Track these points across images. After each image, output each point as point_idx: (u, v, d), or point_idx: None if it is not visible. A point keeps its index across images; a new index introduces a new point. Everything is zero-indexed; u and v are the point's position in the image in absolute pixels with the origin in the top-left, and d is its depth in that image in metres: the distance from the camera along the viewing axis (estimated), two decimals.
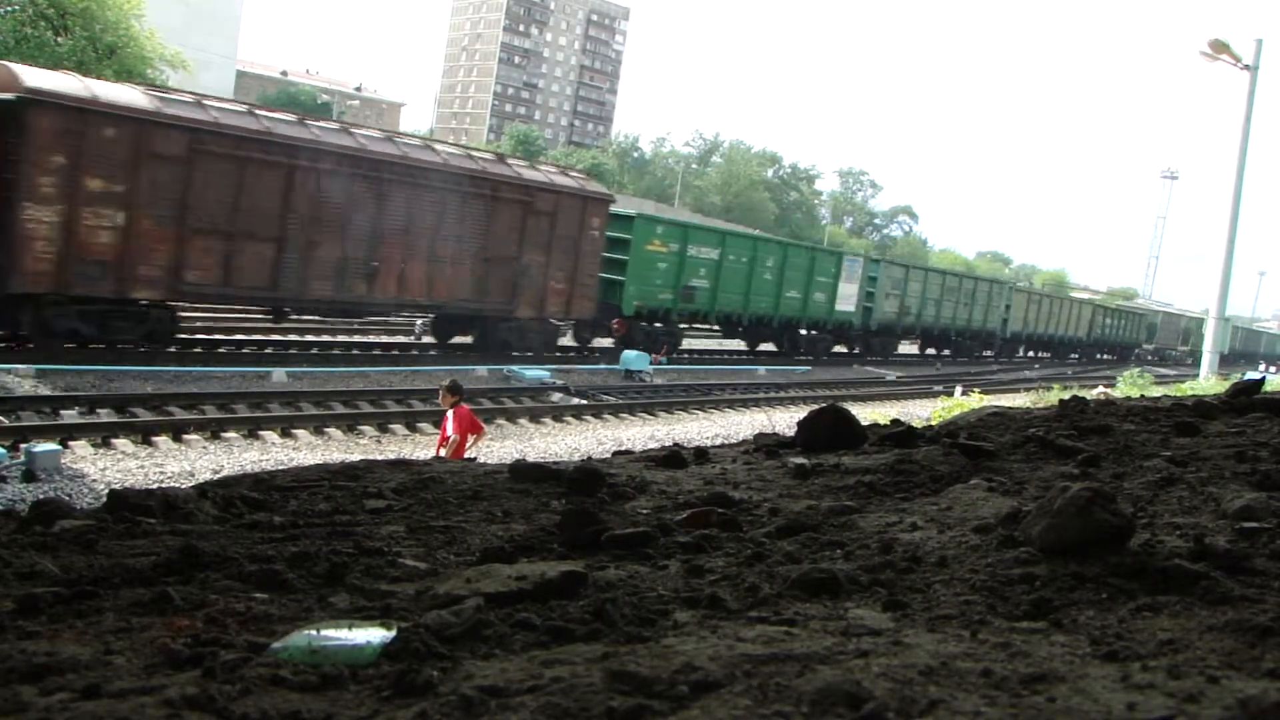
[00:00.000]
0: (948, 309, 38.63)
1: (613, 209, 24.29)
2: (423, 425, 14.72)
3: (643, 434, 15.77)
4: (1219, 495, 2.27)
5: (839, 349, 33.37)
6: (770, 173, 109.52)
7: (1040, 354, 50.11)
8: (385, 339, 23.51)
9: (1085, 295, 75.74)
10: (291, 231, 17.32)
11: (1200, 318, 76.63)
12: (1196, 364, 62.52)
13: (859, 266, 32.68)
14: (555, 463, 3.21)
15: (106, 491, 4.29)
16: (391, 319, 24.95)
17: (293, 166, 17.07)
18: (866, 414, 13.91)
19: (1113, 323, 56.72)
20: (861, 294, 32.66)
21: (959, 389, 24.28)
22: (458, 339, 22.74)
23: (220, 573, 1.80)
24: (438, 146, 21.64)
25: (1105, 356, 57.29)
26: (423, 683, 1.25)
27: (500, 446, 13.58)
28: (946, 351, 40.79)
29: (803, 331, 31.22)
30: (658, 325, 25.67)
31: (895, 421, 4.07)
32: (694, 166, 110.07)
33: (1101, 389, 22.89)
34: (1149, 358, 61.94)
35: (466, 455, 9.18)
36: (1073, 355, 52.89)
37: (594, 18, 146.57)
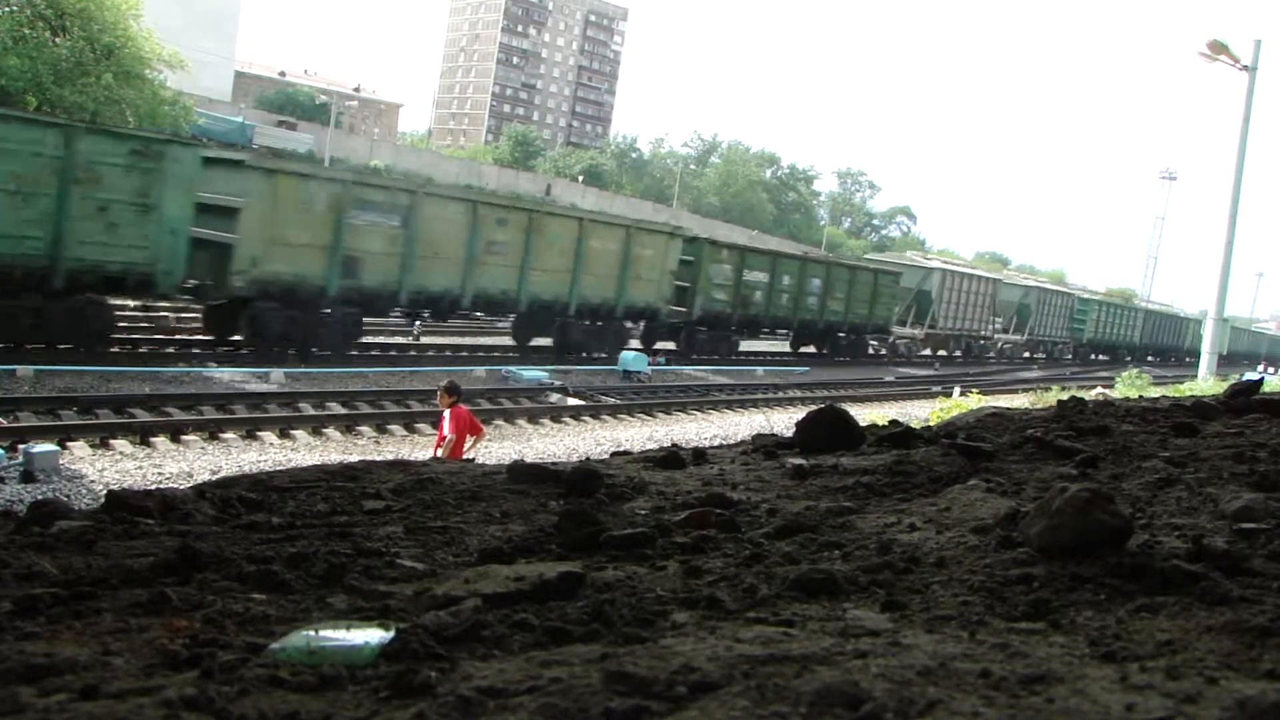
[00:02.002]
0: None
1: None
2: (421, 426, 14.72)
3: (641, 435, 15.77)
4: (1217, 496, 2.28)
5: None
6: (769, 173, 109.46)
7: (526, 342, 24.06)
8: (383, 339, 23.50)
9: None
10: None
11: (1054, 289, 51.45)
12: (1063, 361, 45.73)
13: None
14: (553, 463, 3.21)
15: (105, 492, 4.29)
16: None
17: None
18: (865, 415, 13.91)
19: (782, 282, 28.93)
20: None
21: (957, 389, 24.31)
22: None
23: (218, 573, 1.80)
24: None
25: (762, 349, 30.73)
26: (421, 683, 1.25)
27: (499, 447, 13.57)
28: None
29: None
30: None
31: (894, 422, 4.07)
32: (692, 167, 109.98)
33: (1100, 390, 22.92)
34: (897, 350, 35.99)
35: (466, 456, 9.19)
36: (666, 348, 26.77)
37: (592, 18, 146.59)
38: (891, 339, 36.01)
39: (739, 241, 38.72)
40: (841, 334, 33.10)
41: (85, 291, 15.80)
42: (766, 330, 31.61)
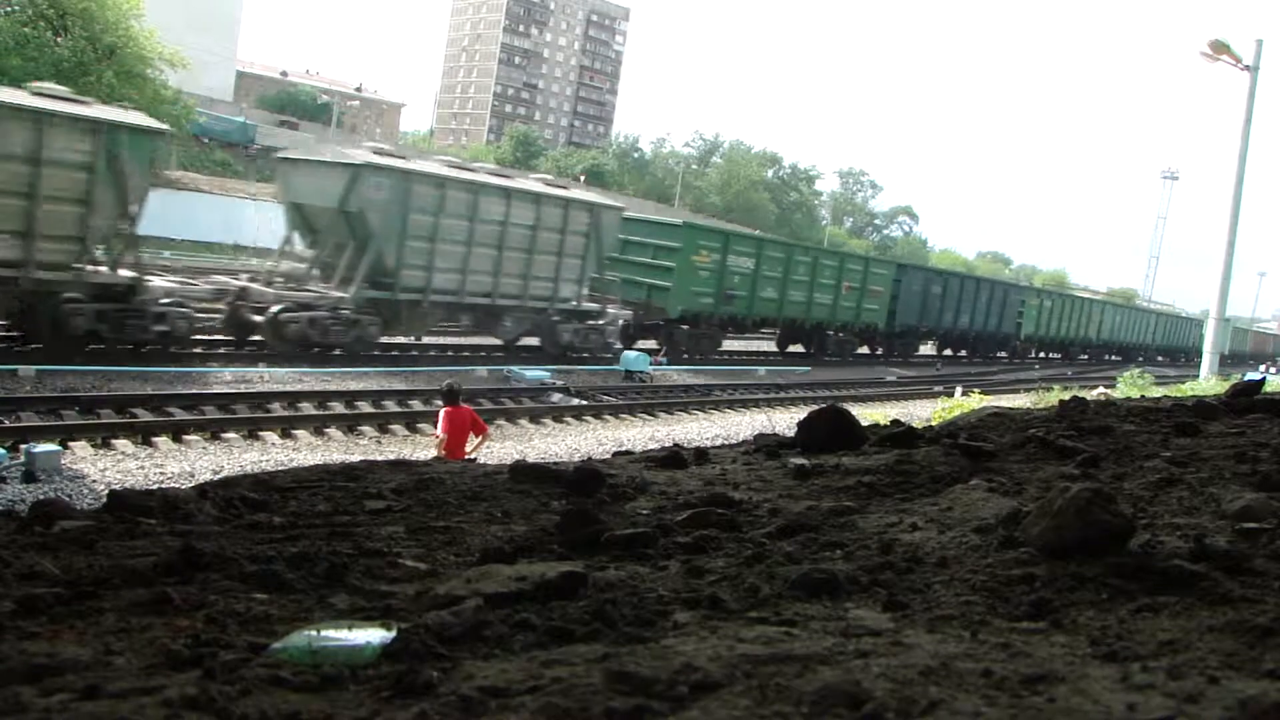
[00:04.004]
0: None
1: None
2: (423, 426, 14.72)
3: (643, 434, 15.76)
4: (1219, 496, 2.27)
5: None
6: (770, 173, 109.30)
7: None
8: (384, 339, 23.47)
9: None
10: None
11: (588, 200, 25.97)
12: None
13: None
14: (555, 463, 3.21)
15: (106, 492, 4.29)
16: None
17: None
18: (866, 414, 13.90)
19: None
20: None
21: (959, 389, 24.34)
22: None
23: (220, 573, 1.80)
24: None
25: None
26: (423, 683, 1.25)
27: (500, 447, 13.57)
28: None
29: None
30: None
31: (895, 422, 4.07)
32: (694, 167, 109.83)
33: (1101, 389, 22.94)
34: None
35: (469, 456, 9.23)
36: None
37: (594, 18, 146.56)
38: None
39: None
40: None
41: None
42: None
